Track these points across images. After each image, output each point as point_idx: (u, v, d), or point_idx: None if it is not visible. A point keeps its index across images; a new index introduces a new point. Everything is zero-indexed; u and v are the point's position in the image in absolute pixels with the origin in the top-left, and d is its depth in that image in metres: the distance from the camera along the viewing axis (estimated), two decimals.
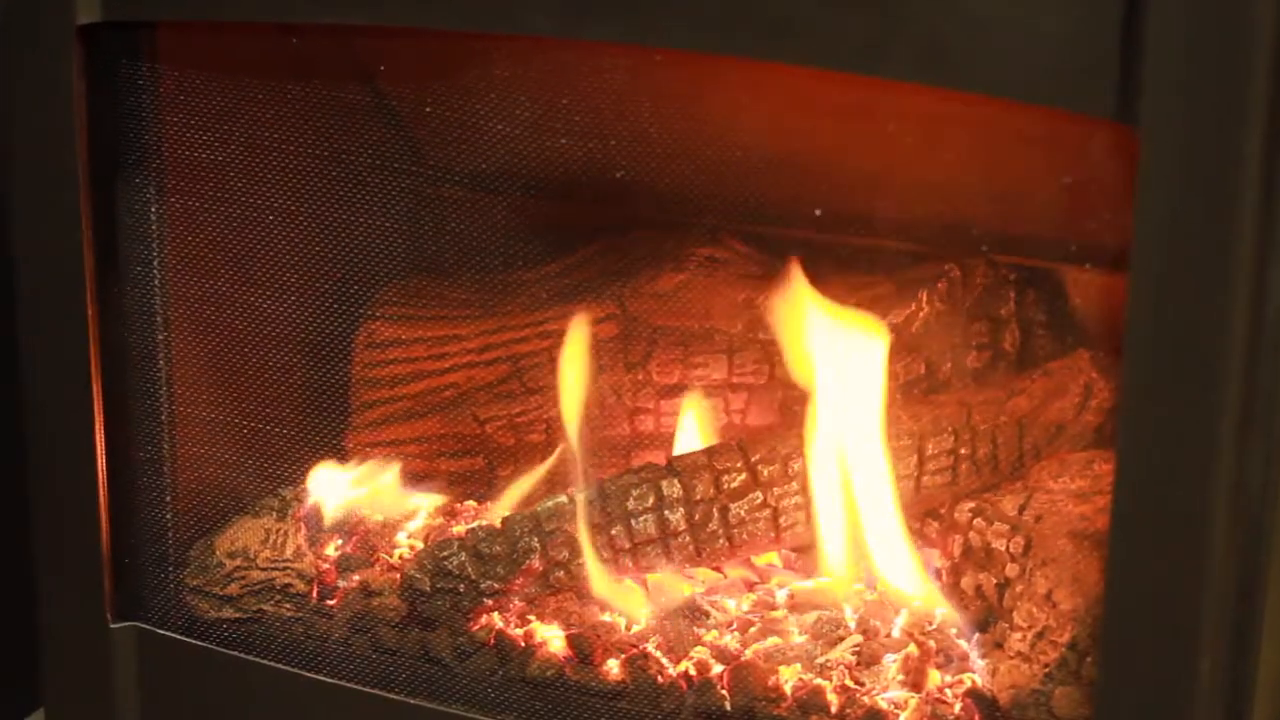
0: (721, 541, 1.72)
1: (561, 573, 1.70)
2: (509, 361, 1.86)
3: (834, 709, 1.59)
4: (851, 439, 1.70)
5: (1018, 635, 1.57)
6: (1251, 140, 1.23)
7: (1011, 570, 1.61)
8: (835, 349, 1.71)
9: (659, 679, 1.63)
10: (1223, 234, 1.24)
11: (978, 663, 1.63)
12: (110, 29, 1.63)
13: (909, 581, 1.70)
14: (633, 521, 1.71)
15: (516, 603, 1.71)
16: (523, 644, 1.68)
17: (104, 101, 1.66)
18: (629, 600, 1.71)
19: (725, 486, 1.71)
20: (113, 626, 1.76)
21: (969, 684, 1.60)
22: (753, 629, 1.69)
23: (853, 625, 1.68)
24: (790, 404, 1.79)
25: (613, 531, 1.71)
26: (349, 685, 1.71)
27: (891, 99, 1.46)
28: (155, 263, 1.73)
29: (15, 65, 1.64)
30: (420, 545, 1.81)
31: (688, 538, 1.71)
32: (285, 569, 1.77)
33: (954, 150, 1.53)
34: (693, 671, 1.64)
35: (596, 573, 1.70)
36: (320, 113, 1.71)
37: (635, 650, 1.66)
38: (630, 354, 1.83)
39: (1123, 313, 1.28)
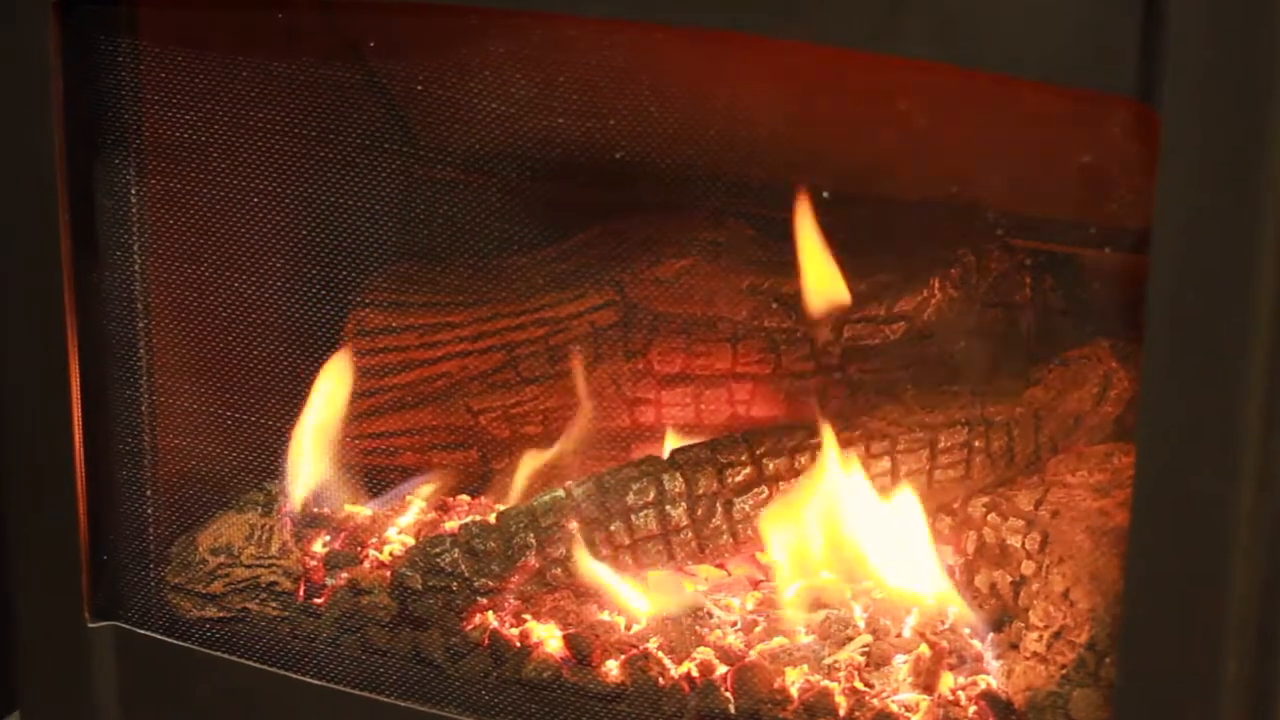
0: (725, 537, 1.72)
1: (559, 570, 1.71)
2: (504, 350, 1.86)
3: (842, 712, 1.59)
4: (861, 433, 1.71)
5: (1034, 635, 1.57)
6: (1276, 119, 1.23)
7: (1027, 567, 1.62)
8: None
9: (660, 681, 1.64)
10: (1247, 216, 1.24)
11: (992, 664, 1.63)
12: (88, 4, 1.63)
13: (921, 579, 1.71)
14: (633, 517, 1.71)
15: (512, 601, 1.71)
16: (518, 644, 1.69)
17: (82, 80, 1.66)
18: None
19: (729, 480, 1.72)
20: (91, 626, 1.77)
21: (983, 686, 1.61)
22: (758, 629, 1.70)
23: (862, 625, 1.68)
24: (797, 395, 1.79)
25: (612, 527, 1.71)
26: (337, 687, 1.71)
27: (903, 77, 1.47)
28: (135, 247, 1.73)
29: None
30: (411, 541, 1.81)
31: (690, 534, 1.72)
32: (271, 566, 1.78)
33: (969, 130, 1.54)
34: (695, 673, 1.64)
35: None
36: (307, 91, 1.71)
37: (635, 651, 1.66)
38: (630, 342, 1.83)
39: (1143, 299, 1.28)
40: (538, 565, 1.70)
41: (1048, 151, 1.52)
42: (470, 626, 1.70)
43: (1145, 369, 1.30)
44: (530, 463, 1.85)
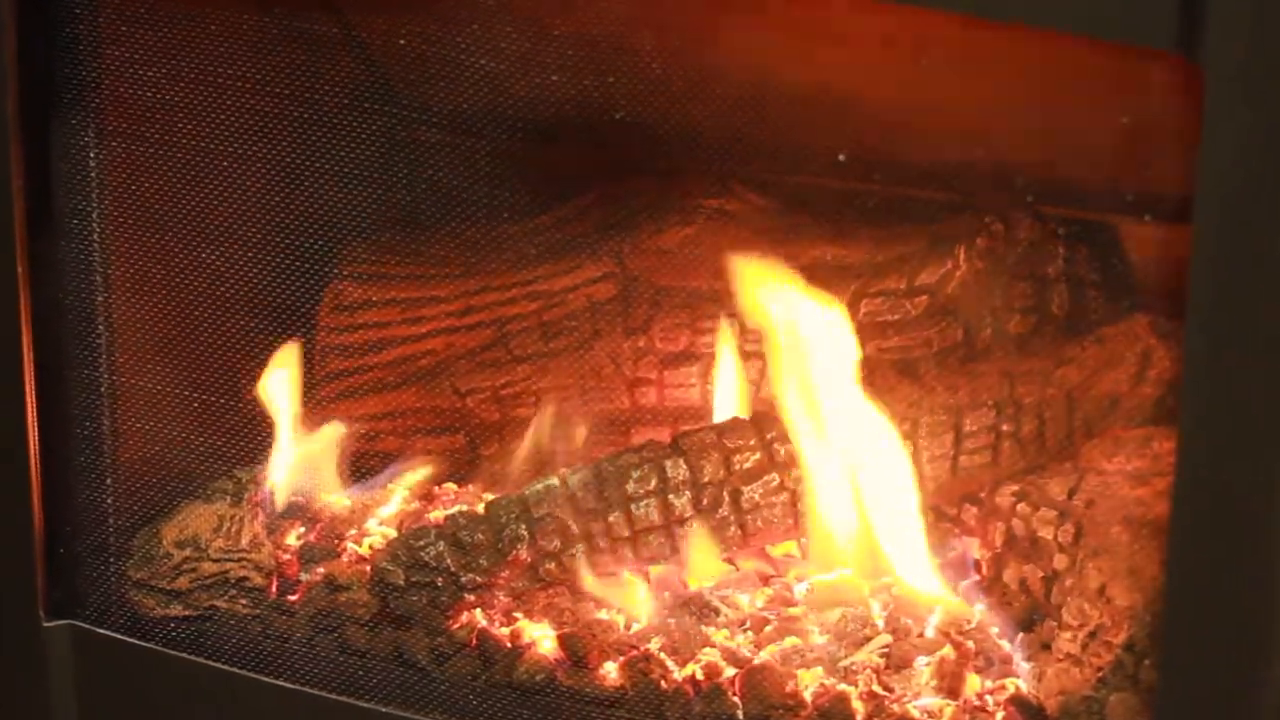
0: (733, 529, 1.72)
1: (552, 564, 1.71)
2: (493, 326, 1.86)
3: (860, 718, 1.60)
4: (876, 414, 1.71)
5: (1067, 635, 1.57)
6: None
7: (1060, 562, 1.62)
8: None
9: (662, 684, 1.64)
10: None
11: (1022, 666, 1.63)
12: None
13: (944, 575, 1.71)
14: (633, 507, 1.71)
15: (502, 598, 1.72)
16: (509, 645, 1.69)
17: (37, 32, 1.66)
18: (628, 595, 1.73)
19: (737, 467, 1.71)
20: (46, 625, 1.77)
21: (1012, 690, 1.61)
22: (768, 628, 1.70)
23: (881, 624, 1.68)
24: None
25: (610, 518, 1.71)
26: (312, 691, 1.71)
27: (926, 30, 1.46)
28: (94, 215, 1.73)
29: None
30: (393, 533, 1.81)
31: (695, 525, 1.72)
32: (241, 560, 1.78)
33: (996, 88, 1.53)
34: (700, 676, 1.64)
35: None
36: (281, 46, 1.71)
37: (636, 652, 1.66)
38: (630, 318, 1.83)
39: (1185, 271, 1.28)
40: (530, 559, 1.70)
41: (1083, 112, 1.51)
42: (457, 625, 1.70)
43: (1188, 347, 1.30)
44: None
